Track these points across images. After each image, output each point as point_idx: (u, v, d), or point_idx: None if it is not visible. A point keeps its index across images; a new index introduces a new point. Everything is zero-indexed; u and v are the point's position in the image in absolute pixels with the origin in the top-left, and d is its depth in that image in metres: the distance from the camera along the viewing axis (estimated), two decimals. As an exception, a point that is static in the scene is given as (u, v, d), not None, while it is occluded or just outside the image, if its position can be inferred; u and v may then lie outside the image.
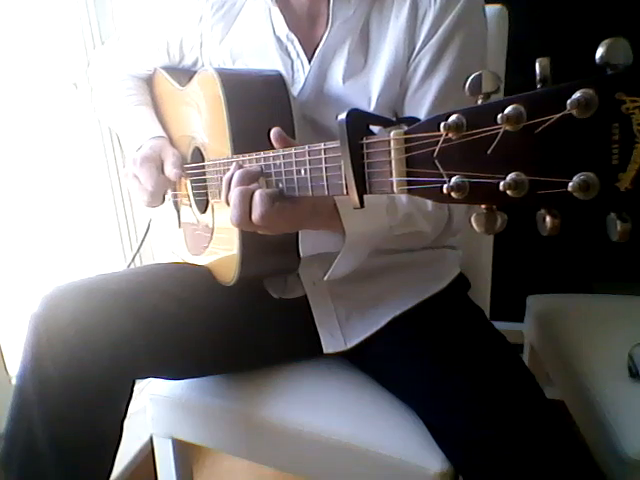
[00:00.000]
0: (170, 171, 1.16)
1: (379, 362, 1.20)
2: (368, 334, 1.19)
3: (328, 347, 1.21)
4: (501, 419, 0.95)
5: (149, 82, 1.42)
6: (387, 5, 1.09)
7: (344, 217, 0.94)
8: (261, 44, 1.15)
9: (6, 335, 1.45)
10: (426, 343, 1.13)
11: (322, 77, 1.12)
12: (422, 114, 1.05)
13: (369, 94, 1.09)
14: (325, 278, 1.04)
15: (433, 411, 1.07)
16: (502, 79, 1.38)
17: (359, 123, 0.65)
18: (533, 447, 0.91)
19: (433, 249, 1.23)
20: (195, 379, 1.29)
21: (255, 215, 0.82)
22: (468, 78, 0.51)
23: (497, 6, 1.35)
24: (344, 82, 1.10)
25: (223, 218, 1.13)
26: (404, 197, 1.02)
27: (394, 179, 0.59)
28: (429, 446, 1.06)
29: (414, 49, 1.07)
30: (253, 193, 0.83)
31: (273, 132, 0.83)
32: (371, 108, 1.08)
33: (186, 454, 1.47)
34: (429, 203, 1.05)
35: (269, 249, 1.08)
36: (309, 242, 1.09)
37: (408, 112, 1.09)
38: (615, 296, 1.66)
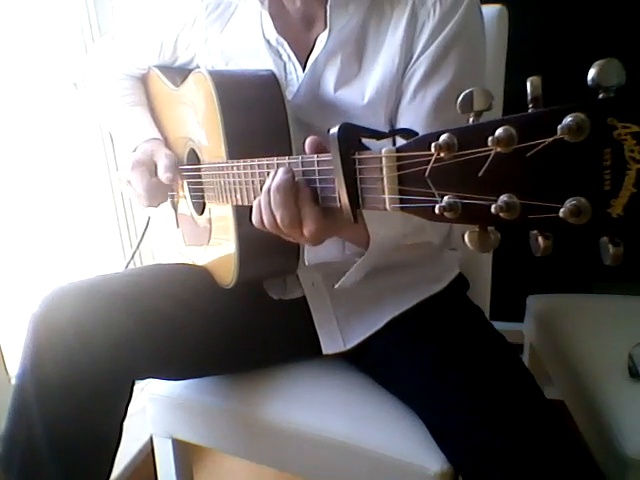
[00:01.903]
0: (162, 175, 1.15)
1: (378, 362, 1.20)
2: (367, 335, 1.19)
3: (327, 348, 1.21)
4: (501, 419, 0.95)
5: (144, 81, 1.41)
6: (385, 15, 1.08)
7: (368, 222, 0.92)
8: (253, 46, 1.15)
9: (6, 335, 1.45)
10: (425, 343, 1.13)
11: (316, 83, 1.11)
12: (419, 123, 1.04)
13: (363, 102, 1.08)
14: (336, 286, 1.03)
15: (433, 411, 1.07)
16: (502, 79, 1.37)
17: (351, 137, 0.64)
18: (533, 447, 0.91)
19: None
20: (195, 379, 1.29)
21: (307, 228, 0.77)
22: (459, 95, 0.51)
23: (497, 6, 1.34)
24: (335, 91, 1.09)
25: (220, 220, 1.13)
26: None
27: (386, 196, 0.59)
28: (429, 446, 1.06)
29: (411, 59, 1.06)
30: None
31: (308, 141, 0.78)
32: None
33: (186, 454, 1.47)
34: None
35: (267, 251, 1.08)
36: (312, 250, 1.08)
37: (403, 121, 1.08)
38: (615, 296, 1.66)
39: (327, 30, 1.07)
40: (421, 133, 0.57)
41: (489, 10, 1.30)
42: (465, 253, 1.32)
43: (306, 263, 1.09)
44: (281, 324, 1.23)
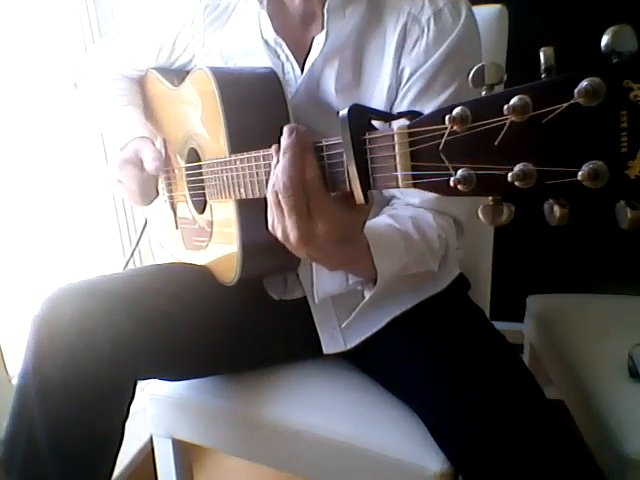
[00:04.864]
0: (149, 165, 1.16)
1: (379, 362, 1.20)
2: (368, 334, 1.19)
3: (328, 348, 1.20)
4: (501, 419, 0.95)
5: (141, 83, 1.41)
6: (382, 23, 1.09)
7: (375, 255, 0.89)
8: (251, 46, 1.15)
9: (6, 335, 1.44)
10: (426, 343, 1.13)
11: (314, 85, 1.12)
12: None
13: None
14: (343, 326, 1.09)
15: (433, 411, 1.06)
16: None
17: (361, 118, 0.65)
18: (533, 447, 0.91)
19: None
20: (195, 379, 1.29)
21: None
22: (471, 70, 0.51)
23: (497, 6, 1.35)
24: (337, 93, 1.10)
25: (222, 217, 1.13)
26: (417, 235, 0.99)
27: (399, 173, 0.59)
28: (429, 446, 1.05)
29: (402, 77, 1.07)
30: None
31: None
32: None
33: (186, 454, 1.46)
34: (436, 240, 1.03)
35: (270, 247, 1.08)
36: (320, 282, 1.09)
37: None
38: (615, 296, 1.67)
39: (324, 32, 1.08)
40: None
41: (489, 10, 1.31)
42: (465, 253, 1.33)
43: (316, 301, 1.12)
44: (282, 324, 1.23)
